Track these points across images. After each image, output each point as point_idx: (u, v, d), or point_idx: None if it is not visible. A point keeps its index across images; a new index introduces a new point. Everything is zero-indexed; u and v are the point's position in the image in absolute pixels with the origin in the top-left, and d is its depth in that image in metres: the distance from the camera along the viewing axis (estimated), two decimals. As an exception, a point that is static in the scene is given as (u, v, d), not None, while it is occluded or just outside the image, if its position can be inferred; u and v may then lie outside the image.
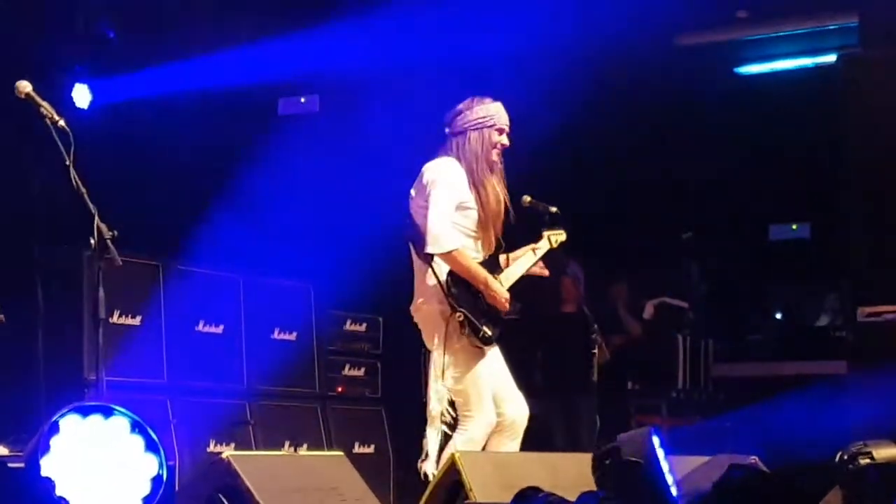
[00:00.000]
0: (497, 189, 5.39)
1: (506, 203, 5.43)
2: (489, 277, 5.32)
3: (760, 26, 8.55)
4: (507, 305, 5.37)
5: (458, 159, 5.34)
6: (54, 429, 3.18)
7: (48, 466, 3.15)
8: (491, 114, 5.40)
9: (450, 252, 5.21)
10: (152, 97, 7.52)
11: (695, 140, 8.63)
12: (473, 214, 5.31)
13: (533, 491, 2.60)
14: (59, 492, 3.13)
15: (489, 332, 5.24)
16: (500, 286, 5.36)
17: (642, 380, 8.52)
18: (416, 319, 5.43)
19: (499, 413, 5.34)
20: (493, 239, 5.41)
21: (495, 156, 5.40)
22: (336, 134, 8.19)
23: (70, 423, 3.22)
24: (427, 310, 5.33)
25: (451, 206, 5.24)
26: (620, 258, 8.77)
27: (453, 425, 5.30)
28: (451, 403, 5.31)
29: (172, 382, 6.86)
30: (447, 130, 5.41)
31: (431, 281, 5.28)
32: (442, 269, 5.28)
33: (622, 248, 8.83)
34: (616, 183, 8.60)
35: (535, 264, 5.59)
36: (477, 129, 5.36)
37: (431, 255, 5.26)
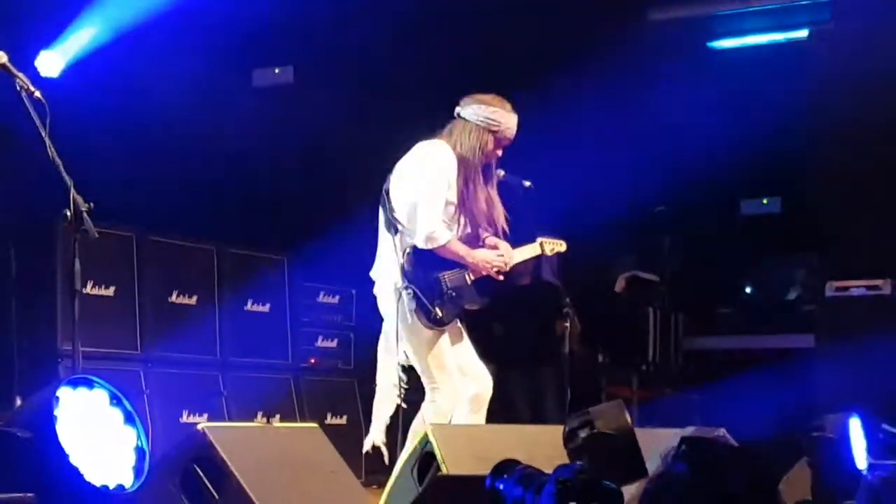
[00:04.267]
0: (488, 191, 5.42)
1: (500, 211, 5.47)
2: (473, 252, 5.38)
3: (733, 0, 8.58)
4: (496, 270, 5.42)
5: (453, 145, 5.36)
6: (56, 400, 3.20)
7: (61, 437, 3.17)
8: (502, 121, 5.39)
9: (443, 246, 5.27)
10: (124, 67, 7.47)
11: (666, 114, 8.66)
12: (451, 210, 5.36)
13: (510, 463, 2.64)
14: (72, 461, 3.15)
15: (440, 314, 5.27)
16: (485, 252, 5.42)
17: (613, 352, 8.58)
18: (375, 289, 5.48)
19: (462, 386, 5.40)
20: (480, 234, 5.46)
21: (490, 159, 5.42)
22: (311, 106, 8.18)
23: (64, 395, 3.25)
24: (383, 281, 5.38)
25: (441, 201, 5.28)
26: (594, 233, 8.80)
27: (406, 399, 5.36)
28: (403, 377, 5.36)
29: (146, 353, 6.87)
30: (457, 110, 5.41)
31: (392, 253, 5.32)
32: (405, 242, 5.31)
33: (595, 222, 8.86)
34: (587, 157, 8.62)
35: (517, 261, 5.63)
36: (482, 126, 5.36)
37: (396, 228, 5.31)
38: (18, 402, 5.77)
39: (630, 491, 2.84)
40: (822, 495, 4.39)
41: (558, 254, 5.86)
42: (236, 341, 7.41)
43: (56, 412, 3.19)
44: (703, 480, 1.93)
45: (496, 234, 5.53)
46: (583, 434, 4.16)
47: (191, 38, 7.53)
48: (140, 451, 3.40)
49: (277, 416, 7.29)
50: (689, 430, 5.17)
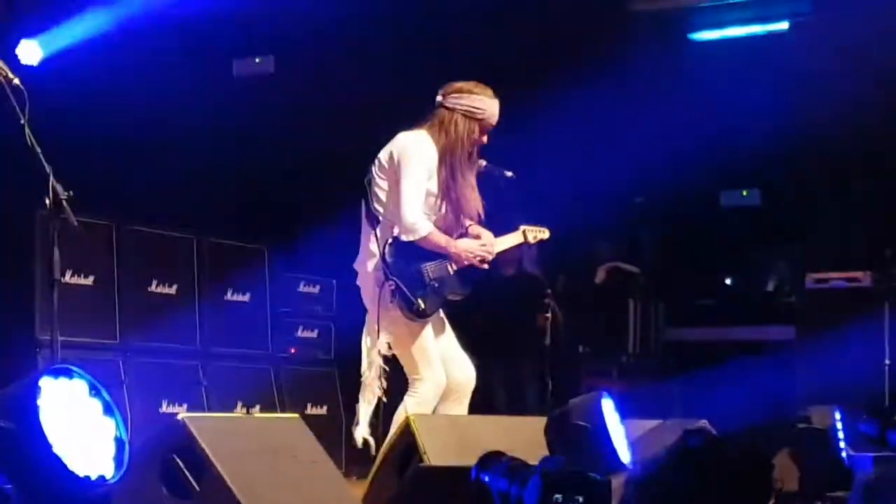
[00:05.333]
0: (471, 179, 5.43)
1: (478, 198, 5.48)
2: (455, 243, 5.37)
3: (714, -8, 8.59)
4: (480, 259, 5.42)
5: (436, 135, 5.34)
6: (38, 390, 3.17)
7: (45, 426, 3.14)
8: (486, 109, 5.38)
9: (425, 237, 5.26)
10: (104, 55, 7.43)
11: (647, 105, 8.67)
12: (431, 201, 5.35)
13: (496, 455, 2.63)
14: (56, 451, 3.12)
15: (423, 306, 5.25)
16: (468, 242, 5.41)
17: (593, 344, 8.59)
18: (357, 280, 5.47)
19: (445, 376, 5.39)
20: (462, 223, 5.45)
21: (475, 146, 5.42)
22: (292, 95, 8.15)
23: (45, 385, 3.21)
24: (365, 272, 5.37)
25: (422, 192, 5.27)
26: (574, 224, 8.82)
27: (387, 392, 5.34)
28: (386, 368, 5.35)
29: (125, 343, 6.84)
30: (439, 99, 5.40)
31: (373, 245, 5.31)
32: (386, 233, 5.30)
33: (576, 213, 8.88)
34: (568, 149, 8.63)
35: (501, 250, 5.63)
36: (468, 116, 5.35)
37: (377, 219, 5.30)
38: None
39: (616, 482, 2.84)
40: (809, 486, 4.41)
41: (539, 244, 5.85)
42: (216, 331, 7.39)
43: (38, 402, 3.16)
44: (702, 473, 1.93)
45: (478, 222, 5.53)
46: (557, 426, 4.19)
47: (171, 26, 7.49)
48: (120, 442, 3.37)
49: (257, 407, 7.28)
50: (669, 422, 5.19)
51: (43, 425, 3.11)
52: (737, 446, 2.02)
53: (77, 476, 3.14)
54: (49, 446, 3.09)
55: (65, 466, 3.11)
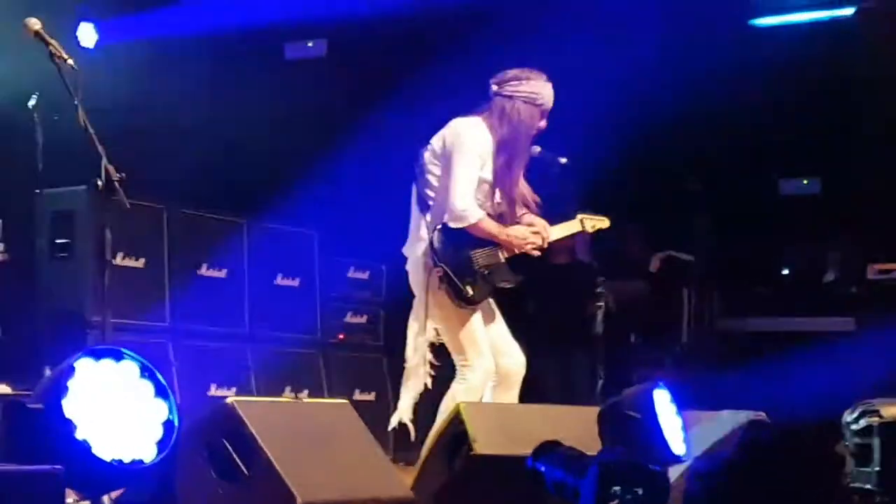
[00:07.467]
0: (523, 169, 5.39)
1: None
2: (506, 230, 5.31)
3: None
4: (532, 246, 5.36)
5: (496, 124, 5.29)
6: (71, 371, 3.14)
7: (68, 408, 3.11)
8: (544, 93, 5.34)
9: (475, 224, 5.21)
10: (159, 38, 7.43)
11: (707, 92, 8.54)
12: (485, 188, 5.30)
13: (552, 444, 2.56)
14: (79, 435, 3.10)
15: (471, 292, 5.21)
16: (520, 229, 5.35)
17: (646, 333, 8.49)
18: (407, 265, 5.43)
19: (494, 364, 5.33)
20: (517, 212, 5.40)
21: (536, 132, 5.38)
22: (343, 79, 8.12)
23: (84, 366, 3.18)
24: (414, 257, 5.33)
25: (474, 179, 5.22)
26: (628, 209, 8.72)
27: (434, 378, 5.31)
28: (432, 355, 5.31)
29: (174, 325, 6.84)
30: (494, 89, 5.35)
31: (423, 230, 5.27)
32: (436, 219, 5.25)
33: (630, 199, 8.79)
34: (624, 133, 8.53)
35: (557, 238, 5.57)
36: (528, 102, 5.31)
37: (428, 205, 5.26)
38: (48, 372, 5.73)
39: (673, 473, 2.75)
40: (881, 482, 4.30)
41: (591, 232, 5.76)
42: (265, 315, 7.37)
43: (70, 383, 3.13)
44: (772, 468, 1.85)
45: (533, 211, 5.46)
46: (608, 416, 4.12)
47: (224, 11, 7.48)
48: (168, 425, 3.34)
49: (305, 392, 7.26)
50: (725, 413, 5.08)
51: (65, 409, 3.08)
52: (806, 441, 1.93)
53: (102, 461, 3.11)
54: (73, 430, 3.07)
55: (89, 449, 3.09)
